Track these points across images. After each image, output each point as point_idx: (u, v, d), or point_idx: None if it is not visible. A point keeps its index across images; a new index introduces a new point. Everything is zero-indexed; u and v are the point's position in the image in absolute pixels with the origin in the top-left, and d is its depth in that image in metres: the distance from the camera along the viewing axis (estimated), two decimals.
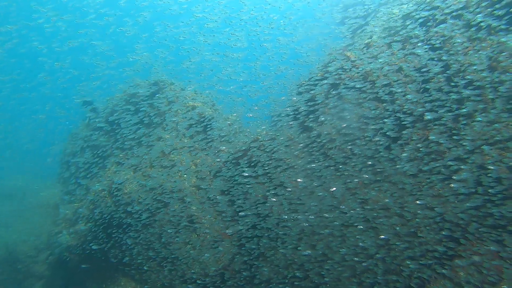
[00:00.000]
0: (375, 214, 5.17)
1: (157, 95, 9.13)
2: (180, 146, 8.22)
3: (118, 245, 7.45)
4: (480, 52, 5.26)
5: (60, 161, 11.72)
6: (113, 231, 7.43)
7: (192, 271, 6.67)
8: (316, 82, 6.77)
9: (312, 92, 6.77)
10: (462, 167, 4.69)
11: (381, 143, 5.66)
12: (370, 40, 6.95)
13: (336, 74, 6.51)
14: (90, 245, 7.51)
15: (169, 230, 7.00)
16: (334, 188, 5.29)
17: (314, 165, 6.12)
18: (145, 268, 7.11)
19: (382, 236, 4.81)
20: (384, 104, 5.89)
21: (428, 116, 5.20)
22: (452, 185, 4.58)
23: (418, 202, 4.78)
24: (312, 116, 6.55)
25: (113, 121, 9.71)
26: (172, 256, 6.86)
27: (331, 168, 5.98)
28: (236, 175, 6.90)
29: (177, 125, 8.70)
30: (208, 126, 8.56)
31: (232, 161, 7.21)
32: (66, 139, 11.79)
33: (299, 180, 6.07)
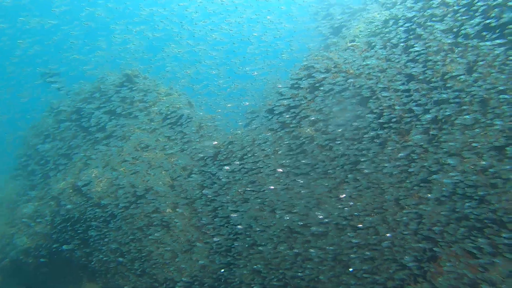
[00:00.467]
0: (356, 214, 5.14)
1: (129, 89, 8.61)
2: (154, 142, 7.80)
3: (84, 246, 6.94)
4: (458, 57, 5.34)
5: (19, 154, 10.70)
6: (79, 232, 6.89)
7: (171, 269, 6.31)
8: (300, 77, 6.63)
9: (293, 90, 6.62)
10: (448, 161, 4.73)
11: (363, 142, 5.63)
12: (353, 43, 6.96)
13: (317, 72, 6.42)
14: (63, 247, 6.99)
15: (145, 229, 6.59)
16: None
17: (290, 162, 5.99)
18: (121, 261, 6.58)
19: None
20: (368, 105, 5.87)
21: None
22: (445, 180, 4.61)
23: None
24: (292, 112, 6.40)
25: (82, 114, 9.04)
26: (143, 255, 6.47)
27: (312, 167, 5.88)
28: (213, 173, 6.64)
29: (150, 121, 8.27)
30: (184, 122, 8.18)
31: (209, 158, 6.93)
32: (28, 130, 10.79)
33: (279, 170, 5.89)
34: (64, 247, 6.95)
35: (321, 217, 5.17)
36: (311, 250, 5.13)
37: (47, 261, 7.33)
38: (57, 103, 9.94)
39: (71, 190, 7.34)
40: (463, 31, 5.45)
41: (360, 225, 4.91)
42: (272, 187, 5.87)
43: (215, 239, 6.08)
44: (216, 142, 7.03)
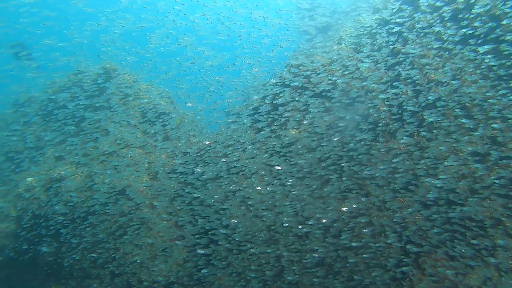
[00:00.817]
0: (343, 217, 5.08)
1: (107, 83, 8.12)
2: (131, 139, 7.43)
3: (55, 246, 6.50)
4: (446, 64, 5.41)
5: None
6: (49, 231, 6.46)
7: (153, 269, 5.99)
8: (286, 76, 6.50)
9: (280, 89, 6.49)
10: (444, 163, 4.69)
11: (350, 144, 5.59)
12: (339, 45, 6.93)
13: (303, 71, 6.32)
14: (42, 249, 6.55)
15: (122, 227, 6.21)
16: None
17: (277, 166, 5.87)
18: (97, 258, 6.15)
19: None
20: (355, 106, 5.83)
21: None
22: (434, 181, 4.62)
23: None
24: (278, 111, 6.27)
25: (53, 106, 8.45)
26: (118, 256, 6.13)
27: (297, 170, 5.77)
28: (196, 171, 6.39)
29: (128, 117, 7.87)
30: (164, 120, 7.83)
31: (190, 157, 6.68)
32: None
33: (278, 167, 5.76)
34: (44, 249, 6.54)
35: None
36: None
37: (10, 262, 6.79)
38: (27, 93, 9.24)
39: (41, 187, 6.89)
40: (449, 38, 5.52)
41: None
42: (258, 188, 5.72)
43: (198, 251, 5.84)
44: (208, 142, 6.76)
